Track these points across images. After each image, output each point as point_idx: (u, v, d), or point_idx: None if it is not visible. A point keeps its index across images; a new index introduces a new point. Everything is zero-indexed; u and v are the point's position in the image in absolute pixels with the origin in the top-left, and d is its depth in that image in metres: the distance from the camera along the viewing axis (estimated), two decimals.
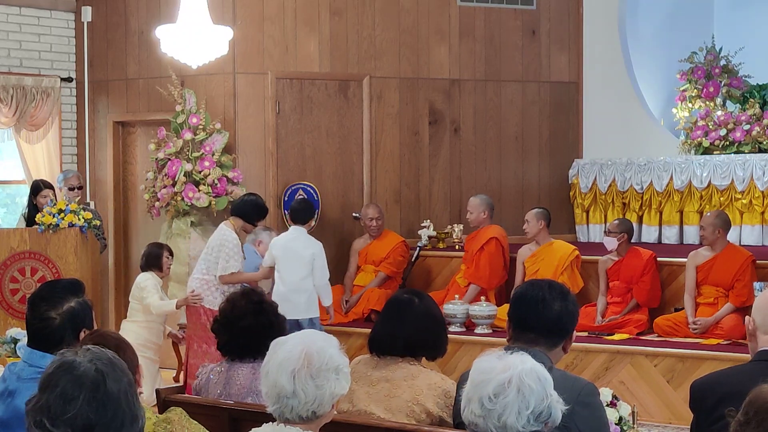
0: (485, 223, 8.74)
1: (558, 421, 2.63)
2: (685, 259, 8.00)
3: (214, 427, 3.72)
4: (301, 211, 7.91)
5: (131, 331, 7.39)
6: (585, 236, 10.15)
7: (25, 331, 3.48)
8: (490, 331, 8.18)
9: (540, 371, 2.63)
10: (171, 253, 7.89)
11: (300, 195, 9.07)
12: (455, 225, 9.48)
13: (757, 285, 7.41)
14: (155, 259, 7.68)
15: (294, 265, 7.61)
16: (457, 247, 9.30)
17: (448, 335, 4.17)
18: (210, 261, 7.37)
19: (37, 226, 7.80)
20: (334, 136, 9.45)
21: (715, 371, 3.44)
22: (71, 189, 8.52)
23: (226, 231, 7.38)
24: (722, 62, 10.17)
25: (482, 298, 8.39)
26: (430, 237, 9.35)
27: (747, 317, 3.33)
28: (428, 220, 9.45)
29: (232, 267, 7.28)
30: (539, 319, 3.36)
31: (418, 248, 9.21)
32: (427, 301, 4.07)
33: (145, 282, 7.52)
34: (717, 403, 3.13)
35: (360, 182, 9.55)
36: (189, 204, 8.65)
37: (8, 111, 9.12)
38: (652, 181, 9.68)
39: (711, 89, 10.08)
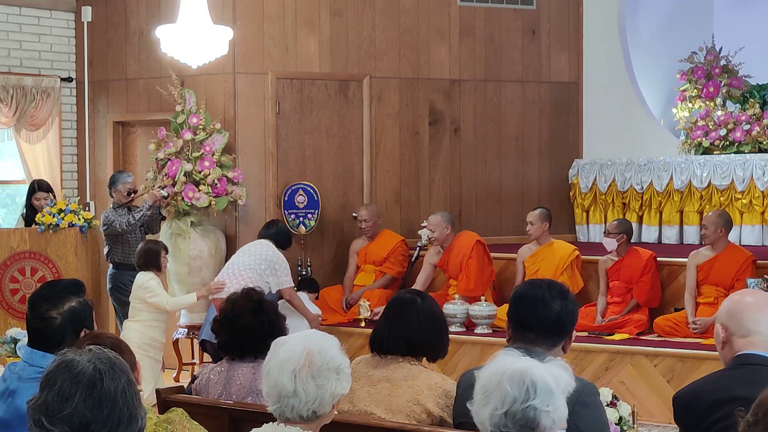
0: (450, 238, 8.69)
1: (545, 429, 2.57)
2: (685, 259, 7.99)
3: (214, 427, 3.72)
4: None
5: (135, 330, 7.31)
6: (585, 236, 10.15)
7: (25, 331, 3.49)
8: (490, 331, 8.17)
9: (557, 372, 2.59)
10: (167, 251, 7.84)
11: (301, 197, 9.10)
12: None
13: (749, 281, 7.39)
14: (155, 257, 7.46)
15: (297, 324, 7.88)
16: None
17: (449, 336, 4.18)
18: (256, 264, 7.74)
19: (37, 226, 7.79)
20: (334, 136, 9.45)
21: (696, 380, 3.32)
22: (128, 194, 8.34)
23: (276, 249, 7.95)
24: (722, 62, 10.17)
25: (482, 297, 8.40)
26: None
27: (717, 325, 3.21)
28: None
29: (291, 282, 7.98)
30: (539, 319, 3.36)
31: (418, 248, 9.20)
32: (429, 302, 4.07)
33: (148, 282, 7.36)
34: (707, 411, 3.07)
35: (360, 182, 9.55)
36: (189, 204, 8.64)
37: (8, 111, 9.11)
38: (652, 181, 9.68)
39: (711, 89, 10.07)
